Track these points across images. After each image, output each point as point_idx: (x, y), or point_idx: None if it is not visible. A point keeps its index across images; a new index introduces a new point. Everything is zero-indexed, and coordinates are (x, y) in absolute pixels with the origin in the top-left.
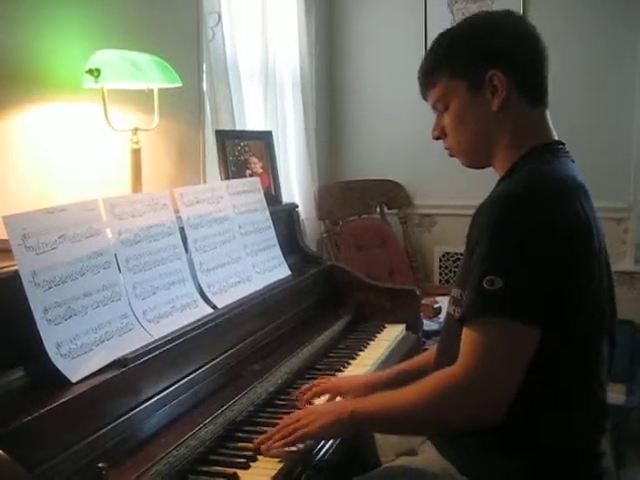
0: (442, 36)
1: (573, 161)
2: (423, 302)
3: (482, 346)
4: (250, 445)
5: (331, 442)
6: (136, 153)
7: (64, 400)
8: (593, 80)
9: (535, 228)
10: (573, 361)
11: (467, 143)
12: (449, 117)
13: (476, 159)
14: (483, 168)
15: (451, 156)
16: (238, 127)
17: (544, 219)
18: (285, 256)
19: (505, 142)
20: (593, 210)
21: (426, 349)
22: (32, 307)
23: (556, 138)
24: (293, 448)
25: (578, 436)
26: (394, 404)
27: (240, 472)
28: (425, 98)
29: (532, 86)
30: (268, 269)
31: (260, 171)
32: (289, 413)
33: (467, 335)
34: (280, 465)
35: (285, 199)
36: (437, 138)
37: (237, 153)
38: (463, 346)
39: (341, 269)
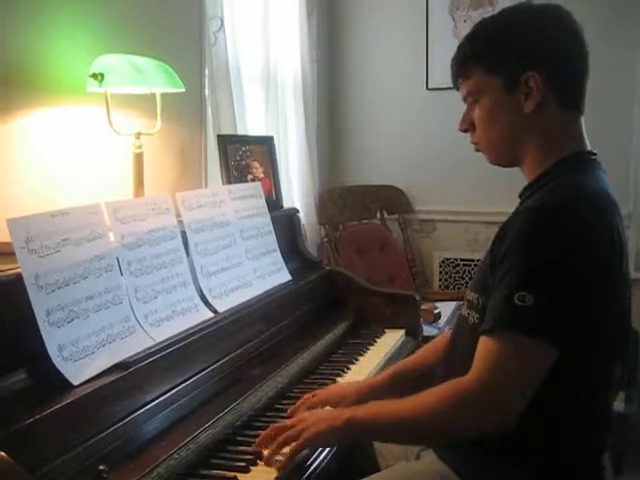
0: (483, 25)
1: (604, 172)
2: (423, 307)
3: (502, 361)
4: (250, 449)
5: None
6: (138, 157)
7: (66, 403)
8: (592, 85)
9: (571, 246)
10: (584, 379)
11: (495, 141)
12: (479, 112)
13: (502, 158)
14: (508, 167)
15: (477, 151)
16: (239, 132)
17: (581, 237)
18: (286, 261)
19: (535, 146)
20: (623, 227)
21: None
22: (35, 310)
23: (589, 147)
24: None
25: (580, 450)
26: (399, 414)
27: (240, 476)
28: (456, 87)
29: (569, 92)
30: (269, 274)
31: (261, 176)
32: (289, 417)
33: (487, 345)
34: (279, 469)
35: (286, 204)
36: (464, 131)
37: (239, 158)
38: (481, 357)
39: (341, 274)
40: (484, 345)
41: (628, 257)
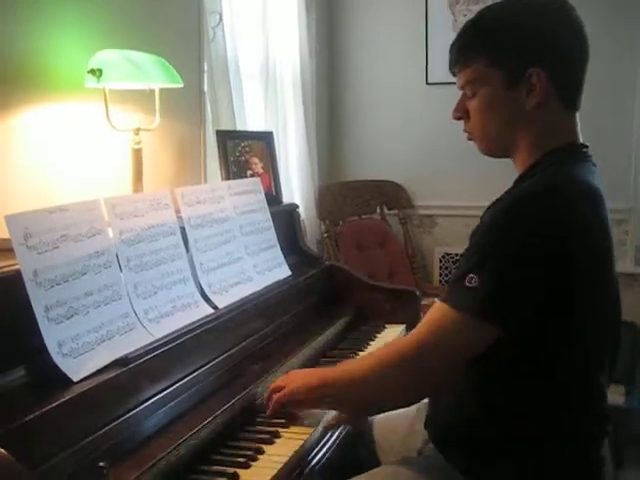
0: (486, 15)
1: (595, 165)
2: (423, 303)
3: (443, 330)
4: (251, 445)
5: (331, 442)
6: (137, 153)
7: (65, 399)
8: (593, 81)
9: (528, 232)
10: (575, 368)
11: (490, 133)
12: (477, 104)
13: (496, 150)
14: (499, 158)
15: (469, 139)
16: (238, 127)
17: (540, 225)
18: (285, 256)
19: (530, 140)
20: (606, 217)
21: None
22: (34, 306)
23: (581, 140)
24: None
25: (579, 441)
26: (354, 368)
27: (240, 471)
28: (453, 74)
29: (570, 89)
30: (268, 269)
31: (261, 171)
32: (289, 413)
33: (433, 313)
34: (280, 465)
35: (285, 199)
36: (458, 119)
37: (238, 153)
38: (428, 319)
39: (341, 269)
40: (433, 310)
41: (612, 243)
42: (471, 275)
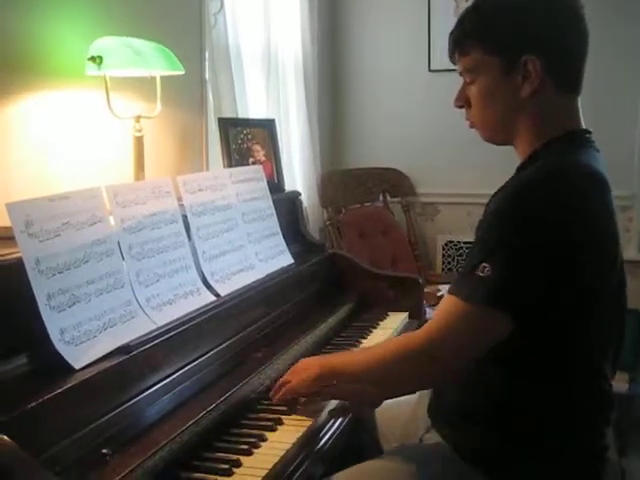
0: (483, 2)
1: (598, 150)
2: (426, 290)
3: (452, 323)
4: (254, 432)
5: (334, 430)
6: (139, 141)
7: (68, 387)
8: (597, 68)
9: (532, 219)
10: (578, 355)
11: (490, 120)
12: (476, 92)
13: (496, 137)
14: (502, 145)
15: (471, 127)
16: (240, 115)
17: (544, 211)
18: (288, 244)
19: (530, 126)
20: (610, 203)
21: None
22: (35, 294)
23: (583, 126)
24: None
25: (583, 429)
26: (360, 359)
27: (243, 458)
28: (453, 61)
29: (568, 76)
30: (271, 257)
31: (263, 159)
32: (292, 401)
33: (446, 305)
34: (282, 452)
35: (288, 187)
36: (460, 107)
37: (240, 141)
38: (437, 314)
39: (344, 257)
40: (444, 303)
41: (618, 229)
42: (484, 265)
